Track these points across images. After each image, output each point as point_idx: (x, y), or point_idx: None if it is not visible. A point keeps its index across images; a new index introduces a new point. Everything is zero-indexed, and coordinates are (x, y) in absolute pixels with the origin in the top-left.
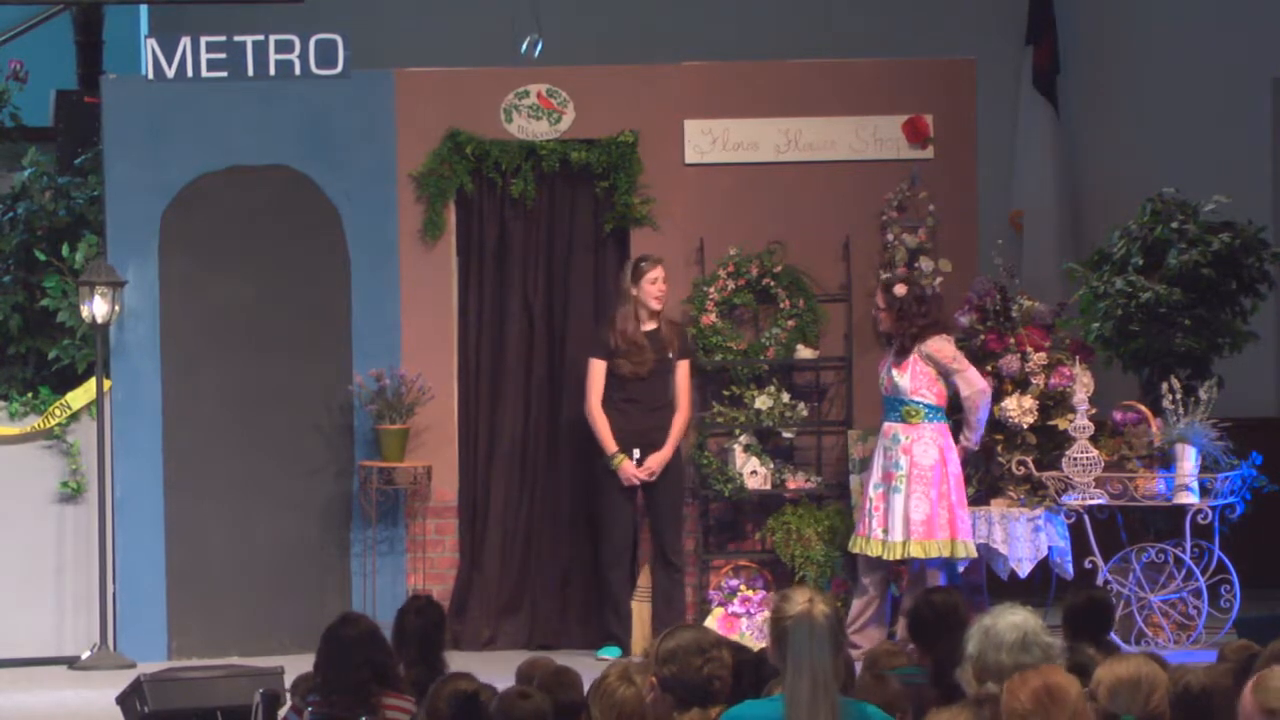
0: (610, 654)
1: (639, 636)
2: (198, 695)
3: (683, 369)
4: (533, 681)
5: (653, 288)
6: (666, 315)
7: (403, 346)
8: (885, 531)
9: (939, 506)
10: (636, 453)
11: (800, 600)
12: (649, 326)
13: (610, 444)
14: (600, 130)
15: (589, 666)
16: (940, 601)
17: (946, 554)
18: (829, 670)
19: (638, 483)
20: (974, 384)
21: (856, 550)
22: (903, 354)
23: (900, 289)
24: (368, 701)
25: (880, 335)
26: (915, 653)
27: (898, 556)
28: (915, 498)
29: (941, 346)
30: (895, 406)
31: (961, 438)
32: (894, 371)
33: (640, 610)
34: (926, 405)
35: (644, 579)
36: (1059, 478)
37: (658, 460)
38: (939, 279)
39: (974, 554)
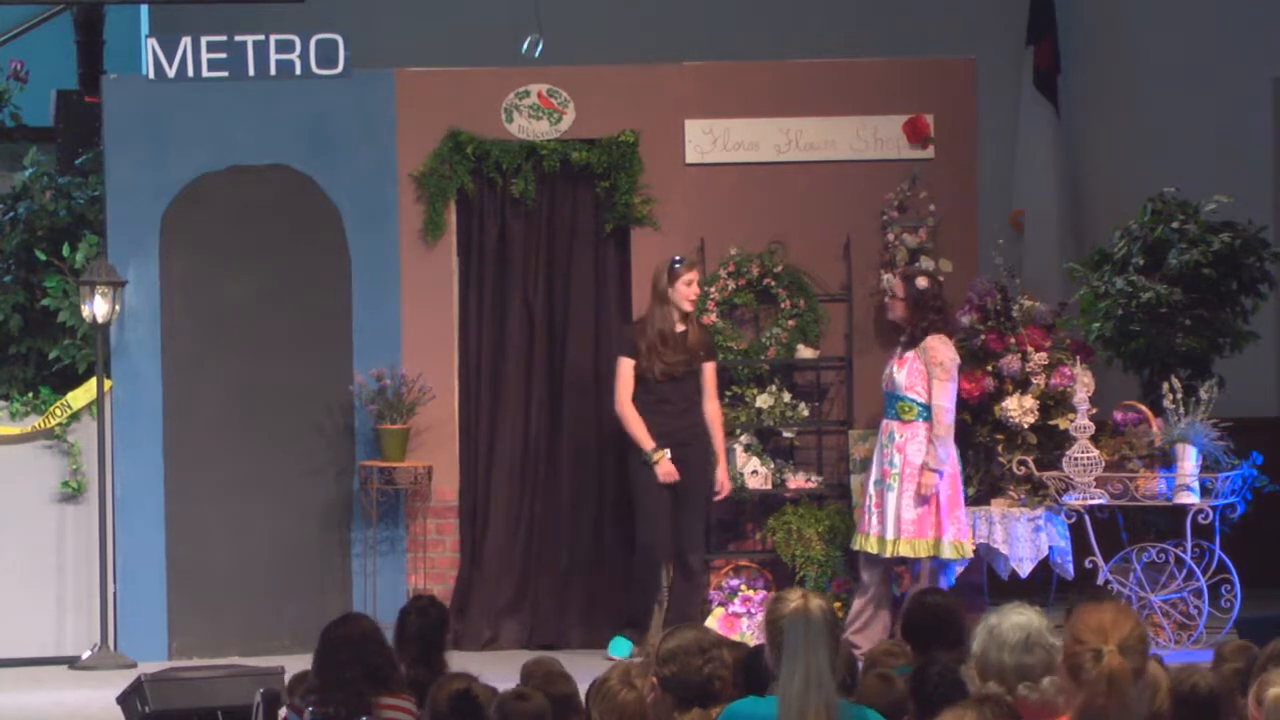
0: (619, 650)
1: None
2: (198, 695)
3: (711, 370)
4: (529, 682)
5: (688, 290)
6: (694, 319)
7: (403, 346)
8: (883, 528)
9: (930, 506)
10: (667, 452)
11: (794, 599)
12: (679, 329)
13: (648, 440)
14: (601, 130)
15: (591, 666)
16: (933, 603)
17: (935, 554)
18: (824, 666)
19: (674, 480)
20: (945, 399)
21: (858, 548)
22: (907, 347)
23: (923, 281)
24: (363, 702)
25: (890, 324)
26: (913, 653)
27: (889, 554)
28: (906, 497)
29: (938, 347)
30: (892, 402)
31: (927, 454)
32: (894, 365)
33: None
34: (919, 403)
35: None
36: (1060, 477)
37: (724, 474)
38: (939, 279)
39: (967, 555)
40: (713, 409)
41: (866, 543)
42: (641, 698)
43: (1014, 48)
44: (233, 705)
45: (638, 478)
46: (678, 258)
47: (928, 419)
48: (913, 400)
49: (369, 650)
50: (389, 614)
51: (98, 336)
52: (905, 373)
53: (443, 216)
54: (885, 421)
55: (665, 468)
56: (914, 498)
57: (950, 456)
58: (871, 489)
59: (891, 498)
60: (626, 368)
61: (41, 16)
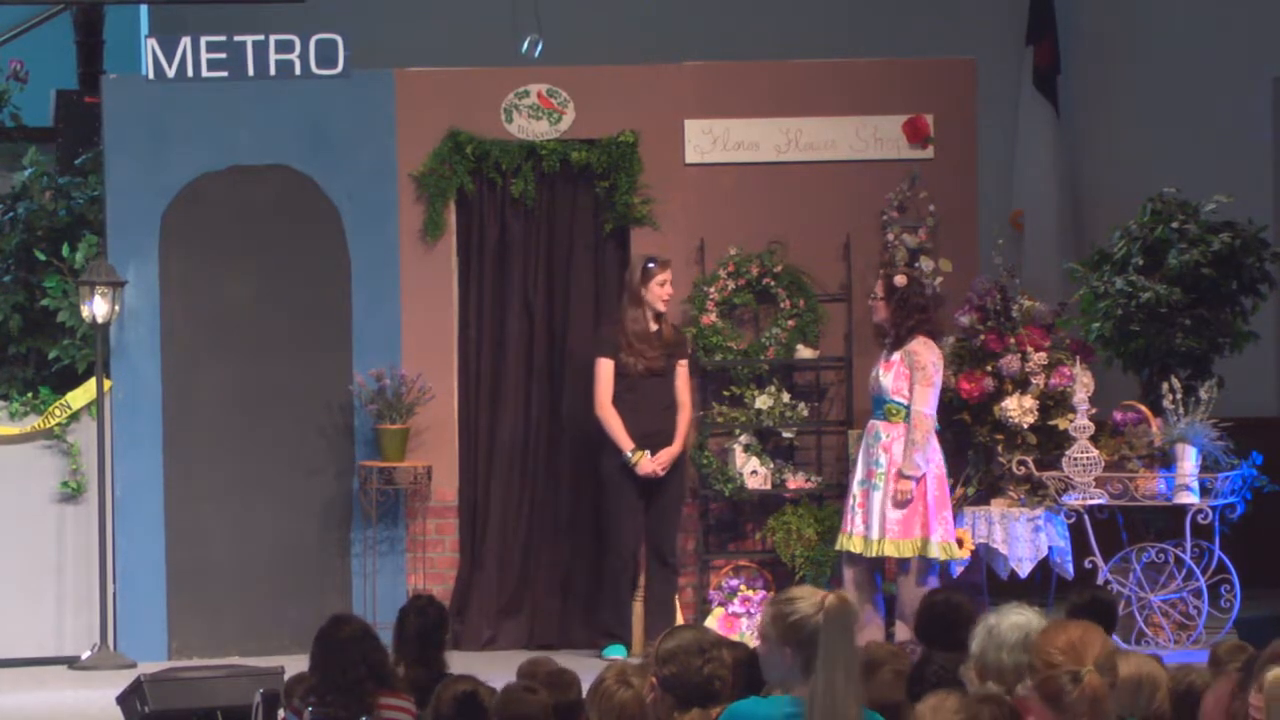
0: (615, 653)
1: (637, 637)
2: (198, 695)
3: (685, 369)
4: (534, 680)
5: (661, 290)
6: (668, 318)
7: (403, 346)
8: (867, 528)
9: (915, 505)
10: (647, 452)
11: (813, 598)
12: (653, 328)
13: (628, 442)
14: (600, 130)
15: (590, 666)
16: (945, 602)
17: (922, 554)
18: (857, 662)
19: (660, 475)
20: (925, 404)
21: (840, 547)
22: (893, 349)
23: (900, 280)
24: (365, 701)
25: (875, 327)
26: (915, 654)
27: (873, 554)
28: (890, 497)
29: (920, 350)
30: (879, 404)
31: (903, 460)
32: (880, 369)
33: (640, 610)
34: (906, 406)
35: (643, 579)
36: (1059, 478)
37: (669, 455)
38: (939, 279)
39: (954, 555)
40: (684, 415)
41: (850, 542)
42: (638, 696)
43: (1014, 48)
44: (232, 705)
45: (610, 483)
46: (651, 258)
47: None
48: (899, 403)
49: (369, 647)
50: (389, 614)
51: (97, 336)
52: (891, 377)
53: (442, 216)
54: (871, 421)
55: (646, 467)
56: (891, 504)
57: (934, 458)
58: (856, 488)
59: (877, 497)
60: (606, 369)
61: (41, 16)
